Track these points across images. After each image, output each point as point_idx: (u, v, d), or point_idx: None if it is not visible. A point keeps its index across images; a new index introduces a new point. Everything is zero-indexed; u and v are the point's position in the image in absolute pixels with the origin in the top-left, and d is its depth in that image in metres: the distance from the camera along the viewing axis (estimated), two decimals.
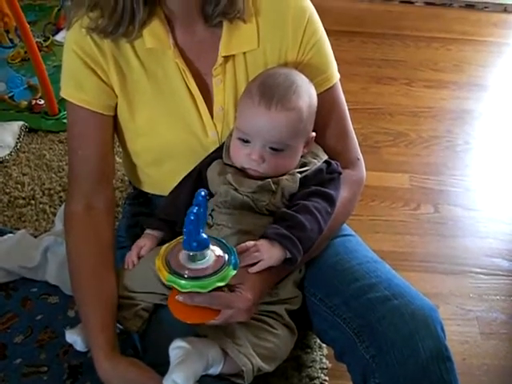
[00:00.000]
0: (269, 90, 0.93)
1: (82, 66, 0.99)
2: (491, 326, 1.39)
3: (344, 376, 1.02)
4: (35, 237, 1.48)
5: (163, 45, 0.98)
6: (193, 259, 0.80)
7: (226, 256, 0.82)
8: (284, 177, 0.95)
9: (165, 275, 0.80)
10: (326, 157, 1.01)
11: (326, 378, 1.21)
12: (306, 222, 0.89)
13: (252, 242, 0.88)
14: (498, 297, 1.46)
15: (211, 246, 0.82)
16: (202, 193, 0.78)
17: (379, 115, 2.13)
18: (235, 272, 0.81)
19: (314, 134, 1.00)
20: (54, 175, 1.76)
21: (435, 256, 1.56)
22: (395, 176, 1.84)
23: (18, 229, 1.53)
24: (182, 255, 0.81)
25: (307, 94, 0.96)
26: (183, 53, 1.00)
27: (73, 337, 1.02)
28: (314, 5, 2.82)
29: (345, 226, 1.13)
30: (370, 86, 2.30)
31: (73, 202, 1.06)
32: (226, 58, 1.00)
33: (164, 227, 1.00)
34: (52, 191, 1.70)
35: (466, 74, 2.43)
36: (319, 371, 1.21)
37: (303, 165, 0.98)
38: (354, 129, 2.06)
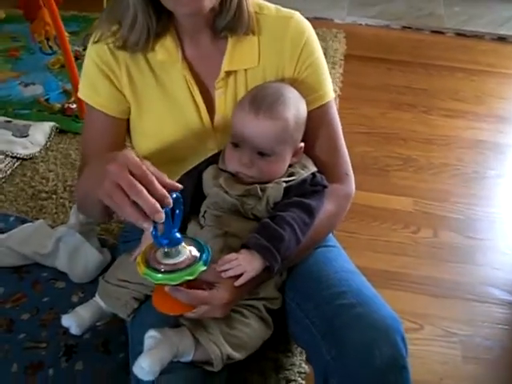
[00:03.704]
0: (258, 100, 1.02)
1: (98, 72, 1.10)
2: (474, 351, 1.41)
3: None
4: (52, 227, 1.58)
5: (173, 58, 1.08)
6: (167, 255, 0.88)
7: (199, 254, 0.89)
8: (270, 185, 1.03)
9: (142, 269, 0.88)
10: (314, 169, 1.08)
11: (303, 382, 1.25)
12: (285, 234, 0.96)
13: (234, 255, 0.94)
14: (485, 323, 1.48)
15: (187, 246, 0.89)
16: (174, 195, 0.84)
17: (393, 140, 2.18)
18: (205, 268, 0.88)
19: (302, 144, 1.07)
20: (76, 173, 1.88)
21: (428, 279, 1.59)
22: (399, 199, 1.88)
23: (38, 219, 1.65)
24: (159, 252, 0.89)
25: (295, 107, 1.03)
26: (190, 66, 1.10)
27: (68, 321, 1.11)
28: (349, 31, 2.93)
29: (330, 237, 1.19)
30: (388, 112, 2.35)
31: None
32: (228, 73, 1.09)
33: None
34: (73, 188, 1.80)
35: (486, 105, 2.45)
36: (297, 374, 1.26)
37: (291, 174, 1.05)
38: (366, 152, 2.14)
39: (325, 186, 1.07)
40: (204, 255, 0.89)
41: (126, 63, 1.09)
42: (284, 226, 0.97)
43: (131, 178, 0.81)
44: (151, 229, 0.83)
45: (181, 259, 0.88)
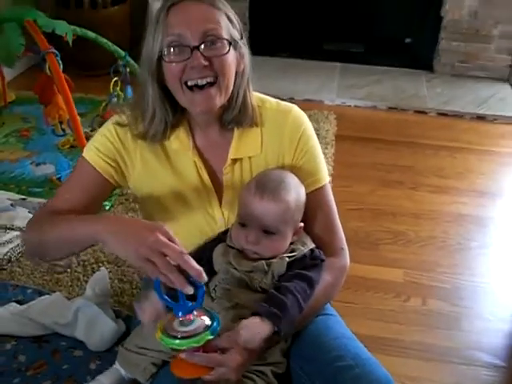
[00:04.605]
0: (263, 185, 1.17)
1: (110, 144, 1.24)
2: None
3: None
4: (68, 299, 1.70)
5: (185, 147, 1.24)
6: (182, 324, 1.01)
7: (210, 323, 1.02)
8: (274, 260, 1.17)
9: (158, 335, 1.01)
10: (313, 245, 1.22)
11: None
12: (289, 303, 1.09)
13: (245, 321, 1.06)
14: None
15: (201, 316, 1.03)
16: None
17: (383, 215, 2.34)
18: (212, 337, 1.01)
19: (302, 224, 1.22)
20: (88, 249, 2.01)
21: (418, 344, 1.71)
22: (390, 270, 2.02)
23: (55, 291, 1.77)
24: (176, 321, 1.02)
25: (295, 191, 1.19)
26: (200, 153, 1.26)
27: None
28: (339, 112, 3.17)
29: (329, 306, 1.32)
30: (377, 189, 2.52)
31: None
32: (235, 160, 1.25)
33: None
34: (86, 262, 1.94)
35: (468, 180, 2.63)
36: None
37: (292, 250, 1.19)
38: (359, 227, 2.30)
39: (322, 260, 1.21)
40: (214, 324, 1.02)
41: (141, 149, 1.24)
42: (288, 295, 1.10)
43: (177, 246, 0.97)
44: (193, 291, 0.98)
45: (193, 327, 1.01)
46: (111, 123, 1.26)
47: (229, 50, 1.14)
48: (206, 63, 1.12)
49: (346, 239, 1.33)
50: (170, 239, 0.98)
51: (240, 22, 1.20)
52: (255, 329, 1.06)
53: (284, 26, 3.83)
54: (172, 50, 1.13)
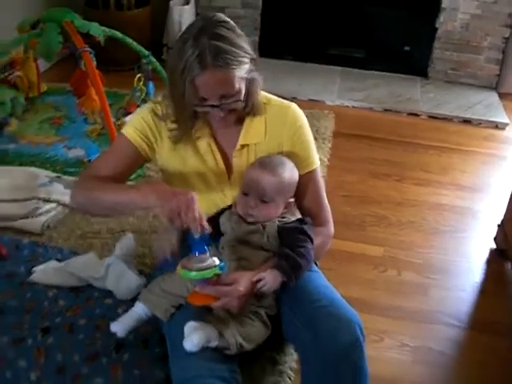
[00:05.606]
0: (265, 163, 1.50)
1: (146, 125, 1.55)
2: (422, 357, 1.84)
3: None
4: (100, 259, 2.04)
5: (204, 135, 1.57)
6: (196, 261, 1.34)
7: (218, 262, 1.36)
8: (267, 223, 1.49)
9: (179, 268, 1.35)
10: (299, 216, 1.56)
11: (292, 374, 1.66)
12: (303, 265, 1.43)
13: (263, 274, 1.40)
14: (432, 338, 1.91)
15: (213, 257, 1.36)
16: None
17: (370, 202, 2.65)
18: (220, 272, 1.34)
19: (292, 199, 1.55)
20: (115, 219, 2.35)
21: (391, 306, 2.03)
22: (373, 247, 2.33)
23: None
24: (192, 260, 1.35)
25: (290, 171, 1.51)
26: (215, 138, 1.58)
27: (115, 327, 1.53)
28: (337, 112, 3.58)
29: (313, 265, 1.63)
30: (367, 180, 2.83)
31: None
32: (243, 146, 1.58)
33: None
34: (114, 230, 2.27)
35: (451, 176, 2.93)
36: (288, 368, 1.67)
37: (283, 217, 1.52)
38: (348, 210, 2.64)
39: (311, 224, 1.53)
40: (222, 264, 1.36)
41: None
42: (303, 260, 1.43)
43: (196, 207, 1.30)
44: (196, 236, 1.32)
45: (205, 264, 1.34)
46: (147, 110, 1.57)
47: (244, 99, 1.46)
48: (224, 114, 1.45)
49: (336, 221, 1.64)
50: (194, 201, 1.31)
51: (249, 45, 1.42)
52: (274, 282, 1.40)
53: (292, 31, 4.13)
54: (198, 104, 1.44)
